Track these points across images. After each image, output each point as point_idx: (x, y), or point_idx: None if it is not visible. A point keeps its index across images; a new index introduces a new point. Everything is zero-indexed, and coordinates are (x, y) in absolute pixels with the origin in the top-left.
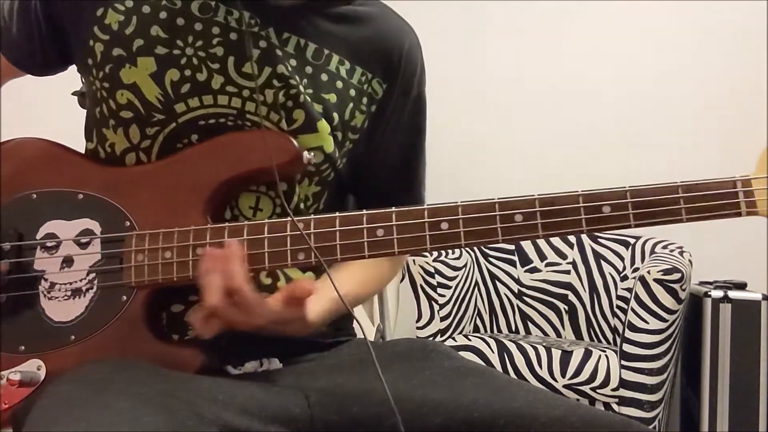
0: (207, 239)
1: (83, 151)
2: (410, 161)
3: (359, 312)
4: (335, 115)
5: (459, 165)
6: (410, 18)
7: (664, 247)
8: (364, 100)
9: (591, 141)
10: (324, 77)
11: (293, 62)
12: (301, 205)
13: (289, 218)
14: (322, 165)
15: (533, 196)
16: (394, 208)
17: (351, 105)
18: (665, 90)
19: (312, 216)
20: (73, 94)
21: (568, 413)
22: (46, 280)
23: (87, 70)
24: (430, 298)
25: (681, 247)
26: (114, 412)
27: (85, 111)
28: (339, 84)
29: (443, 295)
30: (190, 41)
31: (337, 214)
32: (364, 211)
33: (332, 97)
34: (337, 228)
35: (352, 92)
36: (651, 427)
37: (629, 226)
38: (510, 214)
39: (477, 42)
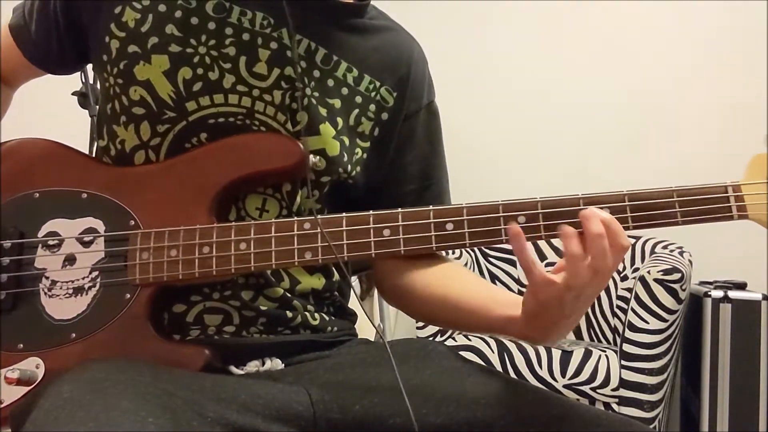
0: (213, 238)
1: (90, 151)
2: (430, 172)
3: (358, 311)
4: (339, 119)
5: (460, 169)
6: (410, 17)
7: (664, 247)
8: (372, 107)
9: (593, 145)
10: (330, 82)
11: (302, 64)
12: (304, 207)
13: (294, 218)
14: (330, 170)
15: (536, 198)
16: (400, 209)
17: (357, 111)
18: (669, 93)
19: (318, 216)
20: (73, 94)
21: (568, 413)
22: (47, 278)
23: (102, 67)
24: None
25: (681, 247)
26: (118, 413)
27: (98, 109)
28: (345, 90)
29: None
30: (204, 40)
31: (344, 214)
32: (371, 212)
33: (337, 102)
34: (344, 228)
35: (359, 99)
36: (651, 427)
37: (627, 228)
38: (513, 215)
39: (477, 42)
